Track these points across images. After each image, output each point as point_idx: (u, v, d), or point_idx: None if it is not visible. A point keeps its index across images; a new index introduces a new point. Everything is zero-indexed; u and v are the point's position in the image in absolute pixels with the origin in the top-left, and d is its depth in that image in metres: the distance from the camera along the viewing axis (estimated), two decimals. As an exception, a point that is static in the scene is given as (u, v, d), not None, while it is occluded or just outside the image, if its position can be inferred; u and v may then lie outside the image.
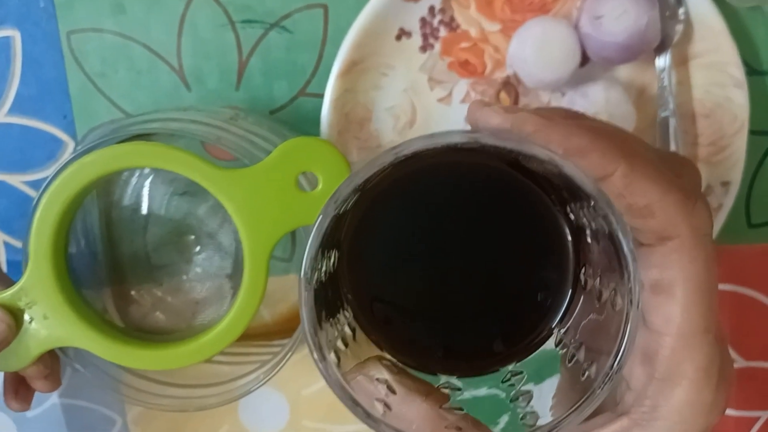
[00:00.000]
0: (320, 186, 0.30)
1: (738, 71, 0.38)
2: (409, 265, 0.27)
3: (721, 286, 0.43)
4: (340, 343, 0.25)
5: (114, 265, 0.42)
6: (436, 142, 0.21)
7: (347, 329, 0.26)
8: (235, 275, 0.38)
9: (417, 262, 0.27)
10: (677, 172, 0.24)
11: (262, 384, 0.38)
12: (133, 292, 0.42)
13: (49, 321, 0.32)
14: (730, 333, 0.43)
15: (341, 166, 0.30)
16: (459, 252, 0.26)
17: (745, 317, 0.43)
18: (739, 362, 0.43)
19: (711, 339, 0.22)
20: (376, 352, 0.27)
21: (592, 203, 0.21)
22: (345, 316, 0.26)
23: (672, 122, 0.39)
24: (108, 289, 0.42)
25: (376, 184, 0.25)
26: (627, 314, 0.21)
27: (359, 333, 0.27)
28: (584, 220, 0.24)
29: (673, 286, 0.22)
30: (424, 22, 0.40)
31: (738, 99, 0.39)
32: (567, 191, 0.24)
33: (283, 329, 0.43)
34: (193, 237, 0.39)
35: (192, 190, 0.30)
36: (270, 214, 0.30)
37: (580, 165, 0.21)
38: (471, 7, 0.40)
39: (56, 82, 0.41)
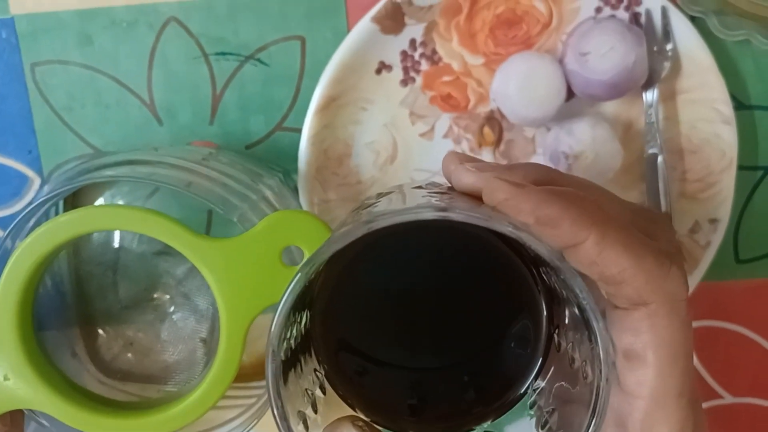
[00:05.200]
0: (305, 261, 0.29)
1: (726, 108, 0.37)
2: (383, 323, 0.27)
3: (710, 323, 0.42)
4: (309, 411, 0.24)
5: (84, 308, 0.40)
6: (407, 219, 0.21)
7: (319, 391, 0.25)
8: (210, 340, 0.37)
9: (391, 320, 0.27)
10: (651, 232, 0.24)
11: (248, 430, 0.37)
12: (103, 334, 0.40)
13: (10, 382, 0.30)
14: (717, 369, 0.42)
15: None
16: (432, 310, 0.26)
17: (733, 353, 0.42)
18: (727, 399, 0.42)
19: (684, 403, 0.22)
20: (348, 413, 0.26)
21: (561, 276, 0.21)
22: (317, 377, 0.26)
23: (659, 158, 0.38)
24: (77, 330, 0.40)
25: (349, 244, 0.24)
26: (597, 387, 0.21)
27: (331, 394, 0.26)
28: (556, 285, 0.24)
29: (647, 351, 0.22)
30: (405, 55, 0.38)
31: (726, 135, 0.38)
32: (539, 259, 0.23)
33: (262, 370, 0.42)
34: (168, 296, 0.37)
35: (170, 250, 0.29)
36: (251, 287, 0.28)
37: (551, 234, 0.21)
38: (453, 41, 0.38)
39: (20, 116, 0.40)
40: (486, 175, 0.23)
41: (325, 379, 0.26)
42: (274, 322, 0.21)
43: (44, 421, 0.35)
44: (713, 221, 0.39)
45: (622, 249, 0.21)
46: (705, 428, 0.24)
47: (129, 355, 0.40)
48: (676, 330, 0.22)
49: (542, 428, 0.24)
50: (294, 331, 0.24)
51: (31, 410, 0.35)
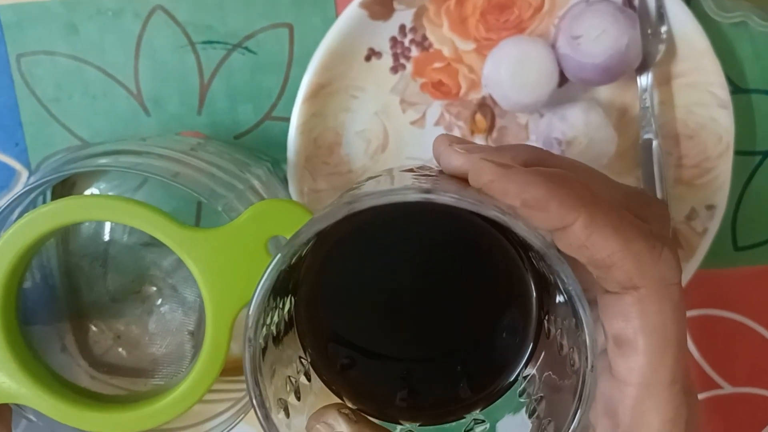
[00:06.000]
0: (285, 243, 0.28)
1: (722, 91, 0.37)
2: (371, 309, 0.26)
3: (708, 311, 0.41)
4: (292, 398, 0.24)
5: (73, 301, 0.39)
6: (389, 200, 0.20)
7: (303, 379, 0.25)
8: (198, 333, 0.36)
9: (379, 307, 0.26)
10: (644, 215, 0.23)
11: (237, 423, 0.36)
12: (93, 327, 0.40)
13: (-6, 376, 0.30)
14: (716, 358, 0.42)
15: None
16: (421, 296, 0.26)
17: (732, 342, 0.41)
18: (726, 388, 0.42)
19: (677, 390, 0.22)
20: (335, 401, 0.25)
21: (548, 262, 0.21)
22: (302, 364, 0.25)
23: (654, 144, 0.37)
24: (67, 324, 0.40)
25: (336, 227, 0.23)
26: (583, 375, 0.21)
27: (317, 382, 0.25)
28: (544, 270, 0.23)
29: (638, 337, 0.21)
30: (394, 41, 0.38)
31: (722, 120, 0.37)
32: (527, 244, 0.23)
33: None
34: (155, 289, 0.37)
35: (157, 242, 0.28)
36: (237, 278, 0.28)
37: (538, 217, 0.21)
38: (444, 26, 0.38)
39: (6, 108, 0.39)
40: (473, 157, 0.23)
41: (310, 367, 0.25)
42: (252, 307, 0.21)
43: (32, 417, 0.35)
44: (710, 207, 0.38)
45: (611, 232, 0.21)
46: (699, 417, 0.23)
47: (119, 349, 0.40)
48: (667, 315, 0.21)
49: (531, 416, 0.24)
50: (275, 316, 0.23)
51: (18, 406, 0.34)
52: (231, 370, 0.41)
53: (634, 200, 0.24)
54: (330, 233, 0.24)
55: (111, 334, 0.39)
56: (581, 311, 0.20)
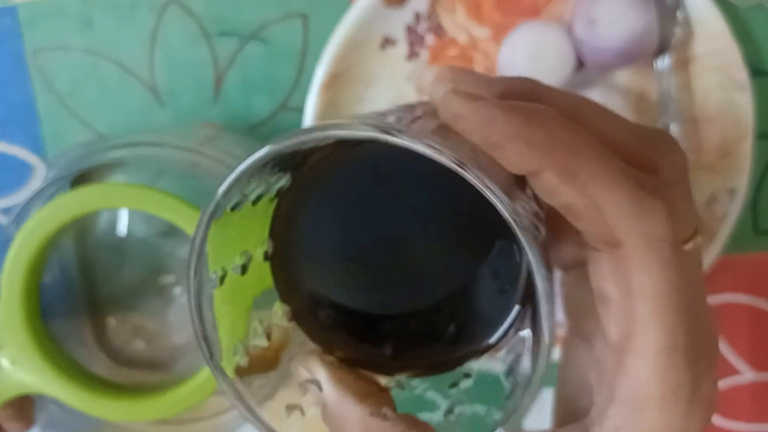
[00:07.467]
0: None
1: (741, 74, 0.36)
2: (352, 260, 0.24)
3: (730, 297, 0.41)
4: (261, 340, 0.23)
5: (91, 295, 0.40)
6: (337, 135, 0.18)
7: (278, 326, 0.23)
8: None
9: (360, 257, 0.24)
10: (653, 162, 0.20)
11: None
12: (112, 321, 0.40)
13: (17, 367, 0.30)
14: (740, 345, 0.41)
15: None
16: (406, 244, 0.24)
17: (755, 328, 0.41)
18: (749, 374, 0.41)
19: (679, 358, 0.19)
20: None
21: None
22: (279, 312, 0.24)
23: (673, 128, 0.37)
24: (86, 318, 0.40)
25: (315, 167, 0.22)
26: (538, 350, 0.19)
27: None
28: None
29: (626, 300, 0.19)
30: (409, 29, 0.38)
31: (742, 103, 0.37)
32: None
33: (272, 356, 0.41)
34: (173, 279, 0.37)
35: (173, 230, 0.28)
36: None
37: (504, 159, 0.18)
38: (458, 13, 0.37)
39: (24, 104, 0.39)
40: (443, 88, 0.20)
41: (290, 314, 0.24)
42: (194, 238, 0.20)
43: (56, 408, 0.35)
44: (731, 191, 0.38)
45: (589, 179, 0.18)
46: (711, 388, 0.20)
47: (138, 340, 0.40)
48: (656, 276, 0.18)
49: (506, 375, 0.22)
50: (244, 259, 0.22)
51: (40, 396, 0.35)
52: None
53: (645, 143, 0.21)
54: (310, 171, 0.23)
55: (130, 326, 0.39)
56: (540, 285, 0.18)
